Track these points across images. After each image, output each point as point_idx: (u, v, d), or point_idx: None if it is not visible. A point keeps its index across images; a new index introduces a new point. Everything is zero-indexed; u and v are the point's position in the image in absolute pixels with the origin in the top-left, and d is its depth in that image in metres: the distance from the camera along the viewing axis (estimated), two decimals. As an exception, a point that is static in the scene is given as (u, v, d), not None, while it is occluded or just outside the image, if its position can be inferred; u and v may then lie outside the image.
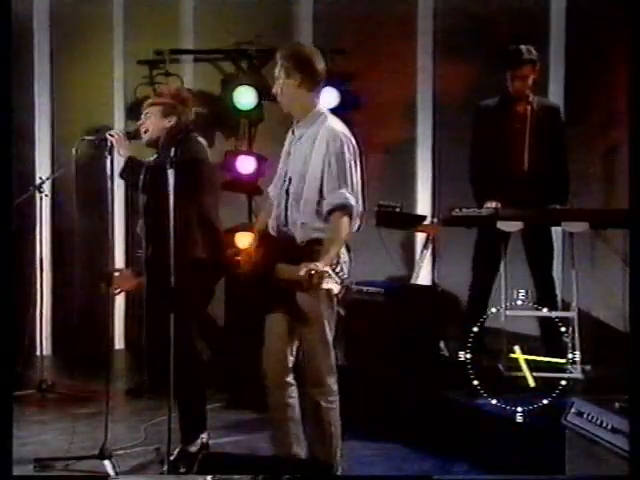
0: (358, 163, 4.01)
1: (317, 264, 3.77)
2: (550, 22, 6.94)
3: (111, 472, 4.46)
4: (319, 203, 3.96)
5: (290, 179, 4.05)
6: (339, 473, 4.14)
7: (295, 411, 4.13)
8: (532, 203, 5.36)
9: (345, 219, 3.90)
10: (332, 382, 4.07)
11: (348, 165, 3.94)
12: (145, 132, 4.66)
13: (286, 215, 4.03)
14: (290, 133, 4.14)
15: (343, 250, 4.00)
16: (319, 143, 3.97)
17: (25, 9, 6.90)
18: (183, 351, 4.34)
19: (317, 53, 4.10)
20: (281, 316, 4.08)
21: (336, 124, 4.03)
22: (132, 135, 4.78)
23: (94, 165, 5.08)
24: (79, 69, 7.11)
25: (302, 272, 3.75)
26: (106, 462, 4.51)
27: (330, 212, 3.92)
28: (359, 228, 4.07)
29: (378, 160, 7.30)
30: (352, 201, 3.92)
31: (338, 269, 3.95)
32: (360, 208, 4.01)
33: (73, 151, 4.60)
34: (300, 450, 4.11)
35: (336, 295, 4.03)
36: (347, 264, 4.03)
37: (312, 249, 3.92)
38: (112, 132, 4.67)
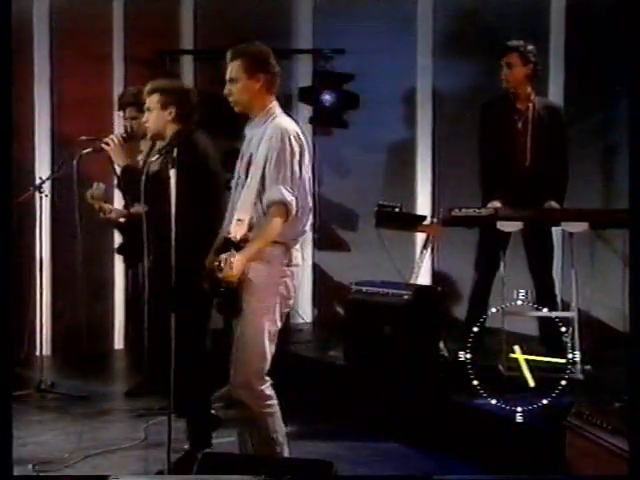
0: (305, 160, 3.96)
1: (232, 253, 3.78)
2: (550, 22, 6.94)
3: None
4: (259, 199, 3.92)
5: (239, 178, 4.06)
6: None
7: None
8: (533, 202, 5.36)
9: (278, 215, 3.86)
10: (264, 388, 3.94)
11: (289, 161, 3.89)
12: (147, 127, 4.61)
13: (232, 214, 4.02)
14: (244, 134, 4.13)
15: (297, 253, 3.98)
16: (264, 141, 3.94)
17: (25, 9, 6.90)
18: (187, 353, 4.33)
19: (272, 53, 4.09)
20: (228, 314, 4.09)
21: (283, 121, 3.98)
22: (127, 137, 4.77)
23: (93, 165, 5.09)
24: (79, 69, 7.10)
25: (208, 261, 3.85)
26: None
27: (267, 207, 3.89)
28: (314, 226, 4.04)
29: (378, 160, 7.31)
30: (288, 197, 3.86)
31: (288, 271, 3.94)
32: (309, 204, 3.99)
33: (74, 163, 4.61)
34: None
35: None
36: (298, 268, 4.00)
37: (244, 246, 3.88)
38: (107, 139, 4.63)
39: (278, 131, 3.92)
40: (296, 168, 3.91)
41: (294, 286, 4.00)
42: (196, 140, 4.52)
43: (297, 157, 3.92)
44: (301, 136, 3.99)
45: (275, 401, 3.97)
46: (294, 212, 3.89)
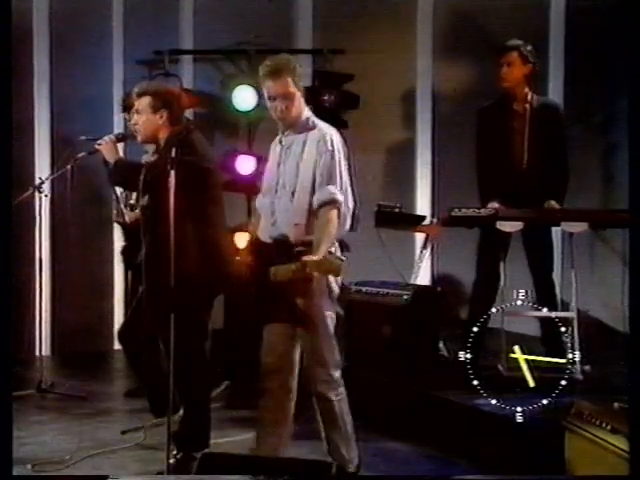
0: (346, 162, 4.12)
1: (310, 257, 3.88)
2: (549, 21, 6.94)
3: None
4: (311, 203, 4.05)
5: (283, 185, 4.12)
6: (357, 463, 4.25)
7: (291, 413, 4.25)
8: (532, 202, 5.36)
9: (333, 214, 4.01)
10: (339, 375, 4.17)
11: (337, 163, 4.06)
12: (137, 130, 4.56)
13: (278, 220, 4.11)
14: (277, 144, 4.21)
15: (338, 250, 4.11)
16: (310, 145, 4.07)
17: (24, 9, 6.90)
18: (187, 354, 4.34)
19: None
20: (283, 319, 4.14)
21: (324, 126, 4.14)
22: (122, 137, 4.76)
23: (92, 165, 5.09)
24: (79, 69, 7.10)
25: (294, 265, 3.86)
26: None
27: (318, 208, 4.03)
28: (353, 228, 4.16)
29: (378, 160, 7.31)
30: (339, 197, 4.03)
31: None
32: (351, 205, 4.13)
33: (69, 168, 4.59)
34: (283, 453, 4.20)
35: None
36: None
37: (306, 249, 3.99)
38: (100, 140, 4.61)
39: (324, 135, 4.08)
40: (343, 170, 4.09)
41: (337, 282, 4.17)
42: (193, 140, 4.48)
43: (343, 160, 4.09)
44: (340, 138, 4.14)
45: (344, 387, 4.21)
46: (345, 212, 4.08)
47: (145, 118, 4.50)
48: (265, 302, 4.17)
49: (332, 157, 4.04)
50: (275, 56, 4.22)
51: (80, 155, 4.79)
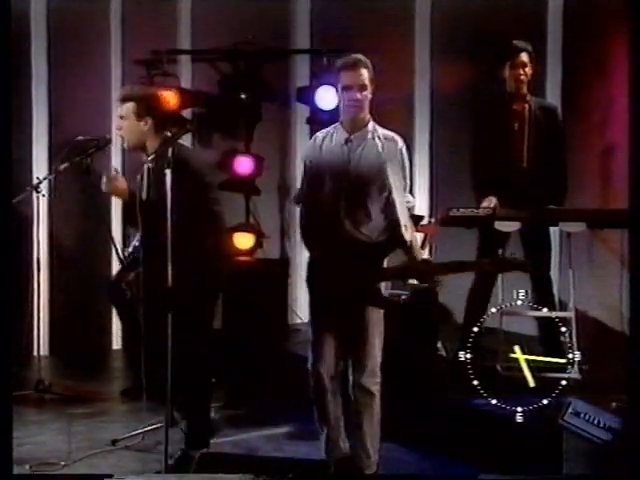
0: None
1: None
2: (547, 21, 6.94)
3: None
4: (384, 207, 4.21)
5: (353, 186, 4.21)
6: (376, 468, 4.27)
7: (340, 405, 4.32)
8: (531, 203, 5.36)
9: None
10: (379, 371, 4.29)
11: (408, 172, 4.31)
12: (122, 136, 4.48)
13: (348, 222, 4.21)
14: (340, 144, 4.27)
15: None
16: (384, 151, 4.20)
17: (22, 9, 6.89)
18: (188, 354, 4.33)
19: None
20: (341, 314, 4.23)
21: (392, 133, 4.31)
22: (101, 144, 4.76)
23: (92, 165, 5.09)
24: (76, 69, 7.09)
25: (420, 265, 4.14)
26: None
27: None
28: None
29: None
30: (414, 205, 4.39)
31: None
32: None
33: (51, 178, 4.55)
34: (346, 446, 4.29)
35: None
36: None
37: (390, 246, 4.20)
38: (104, 182, 4.54)
39: (398, 144, 4.27)
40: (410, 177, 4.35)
41: None
42: (180, 146, 4.41)
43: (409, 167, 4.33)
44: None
45: None
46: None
47: (129, 125, 4.41)
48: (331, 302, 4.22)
49: (404, 166, 4.26)
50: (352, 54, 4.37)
51: (62, 167, 4.78)
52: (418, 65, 7.24)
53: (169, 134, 4.38)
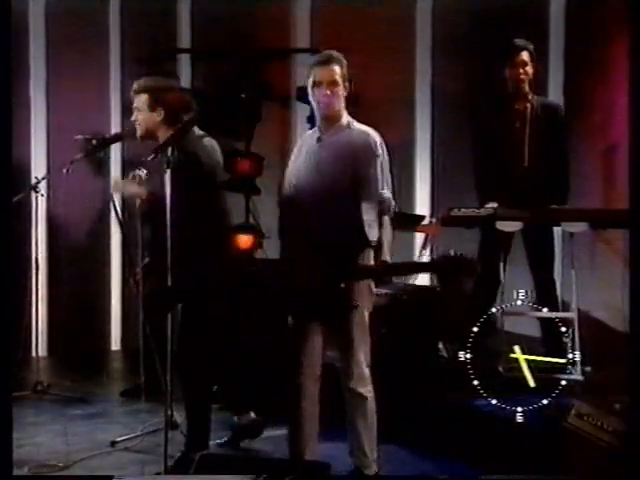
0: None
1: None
2: (549, 21, 6.93)
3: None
4: (359, 205, 4.07)
5: (325, 184, 4.10)
6: (377, 469, 4.23)
7: (317, 409, 4.24)
8: (533, 202, 5.34)
9: (390, 218, 4.16)
10: (369, 372, 4.19)
11: (387, 167, 4.16)
12: (137, 127, 4.55)
13: (318, 222, 4.09)
14: (314, 141, 4.21)
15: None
16: (358, 147, 4.11)
17: (21, 9, 6.88)
18: (191, 353, 4.34)
19: None
20: (319, 318, 4.16)
21: (367, 128, 4.20)
22: (116, 137, 4.74)
23: (91, 165, 5.07)
24: (75, 68, 7.08)
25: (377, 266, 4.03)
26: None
27: (380, 213, 4.13)
28: None
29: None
30: (393, 202, 4.16)
31: None
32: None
33: (64, 171, 4.57)
34: (315, 449, 4.20)
35: None
36: None
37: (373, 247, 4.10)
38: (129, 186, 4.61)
39: (373, 138, 4.15)
40: (388, 171, 4.17)
41: None
42: (194, 141, 4.45)
43: (387, 161, 4.17)
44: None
45: None
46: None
47: (143, 116, 4.51)
48: (300, 302, 4.14)
49: (383, 160, 4.13)
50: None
51: (82, 137, 4.78)
52: (419, 65, 7.22)
53: (180, 125, 4.44)
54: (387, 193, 4.14)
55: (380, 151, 4.14)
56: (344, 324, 4.12)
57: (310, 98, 4.22)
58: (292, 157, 4.32)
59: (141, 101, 4.52)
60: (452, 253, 3.96)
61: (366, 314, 4.18)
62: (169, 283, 4.04)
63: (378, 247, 4.08)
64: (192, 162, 4.36)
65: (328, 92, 4.12)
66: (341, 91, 4.15)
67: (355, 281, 4.03)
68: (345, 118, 4.20)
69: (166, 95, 4.54)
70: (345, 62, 4.20)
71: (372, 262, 4.09)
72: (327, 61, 4.16)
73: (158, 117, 4.50)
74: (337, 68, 4.14)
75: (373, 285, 4.20)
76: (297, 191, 4.21)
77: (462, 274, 4.06)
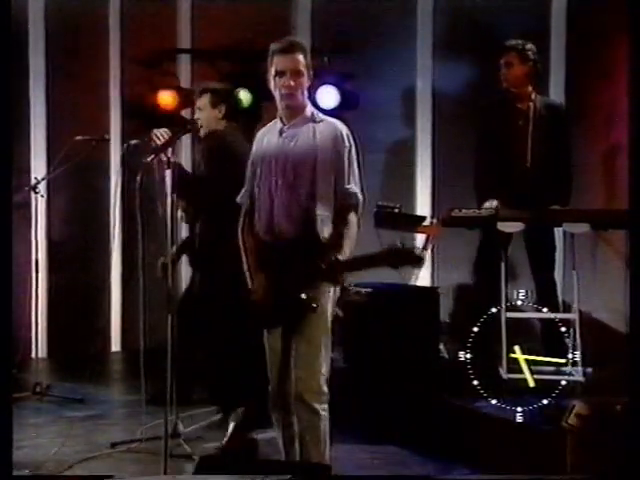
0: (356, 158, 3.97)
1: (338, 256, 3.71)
2: (551, 21, 6.92)
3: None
4: (320, 200, 3.83)
5: (286, 180, 3.88)
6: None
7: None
8: (535, 203, 5.32)
9: (356, 214, 3.88)
10: (326, 388, 3.90)
11: (354, 160, 3.91)
12: (201, 125, 4.94)
13: (280, 218, 3.88)
14: (275, 135, 3.97)
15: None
16: (321, 140, 3.87)
17: (20, 9, 6.88)
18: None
19: None
20: (286, 324, 3.87)
21: (333, 120, 3.98)
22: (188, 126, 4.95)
23: (91, 165, 5.06)
24: (75, 68, 7.08)
25: (324, 264, 3.67)
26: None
27: (341, 208, 3.86)
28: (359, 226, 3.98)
29: (378, 160, 7.28)
30: (360, 196, 3.88)
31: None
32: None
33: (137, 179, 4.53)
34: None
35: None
36: None
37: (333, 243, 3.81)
38: (158, 132, 4.49)
39: (340, 131, 3.91)
40: (357, 166, 3.93)
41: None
42: (225, 134, 4.96)
43: (355, 155, 3.93)
44: (351, 134, 3.96)
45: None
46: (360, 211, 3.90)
47: (206, 114, 4.98)
48: (268, 308, 3.87)
49: (349, 154, 3.88)
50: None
51: (81, 138, 4.93)
52: (420, 64, 7.22)
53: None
54: (354, 188, 3.88)
55: (348, 144, 3.89)
56: (301, 328, 3.80)
57: (271, 88, 3.95)
58: (252, 150, 4.07)
59: (204, 101, 4.99)
60: (399, 244, 3.65)
61: (329, 319, 3.88)
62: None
63: (334, 245, 3.76)
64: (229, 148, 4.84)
65: (292, 82, 3.85)
66: (305, 81, 3.89)
67: (306, 281, 3.71)
68: (309, 109, 3.96)
69: (226, 94, 5.11)
70: (309, 50, 3.94)
71: (323, 261, 3.71)
72: (290, 49, 3.88)
73: (219, 114, 5.00)
74: (301, 57, 3.87)
75: (339, 291, 3.93)
76: (261, 188, 3.96)
77: (409, 265, 3.74)
